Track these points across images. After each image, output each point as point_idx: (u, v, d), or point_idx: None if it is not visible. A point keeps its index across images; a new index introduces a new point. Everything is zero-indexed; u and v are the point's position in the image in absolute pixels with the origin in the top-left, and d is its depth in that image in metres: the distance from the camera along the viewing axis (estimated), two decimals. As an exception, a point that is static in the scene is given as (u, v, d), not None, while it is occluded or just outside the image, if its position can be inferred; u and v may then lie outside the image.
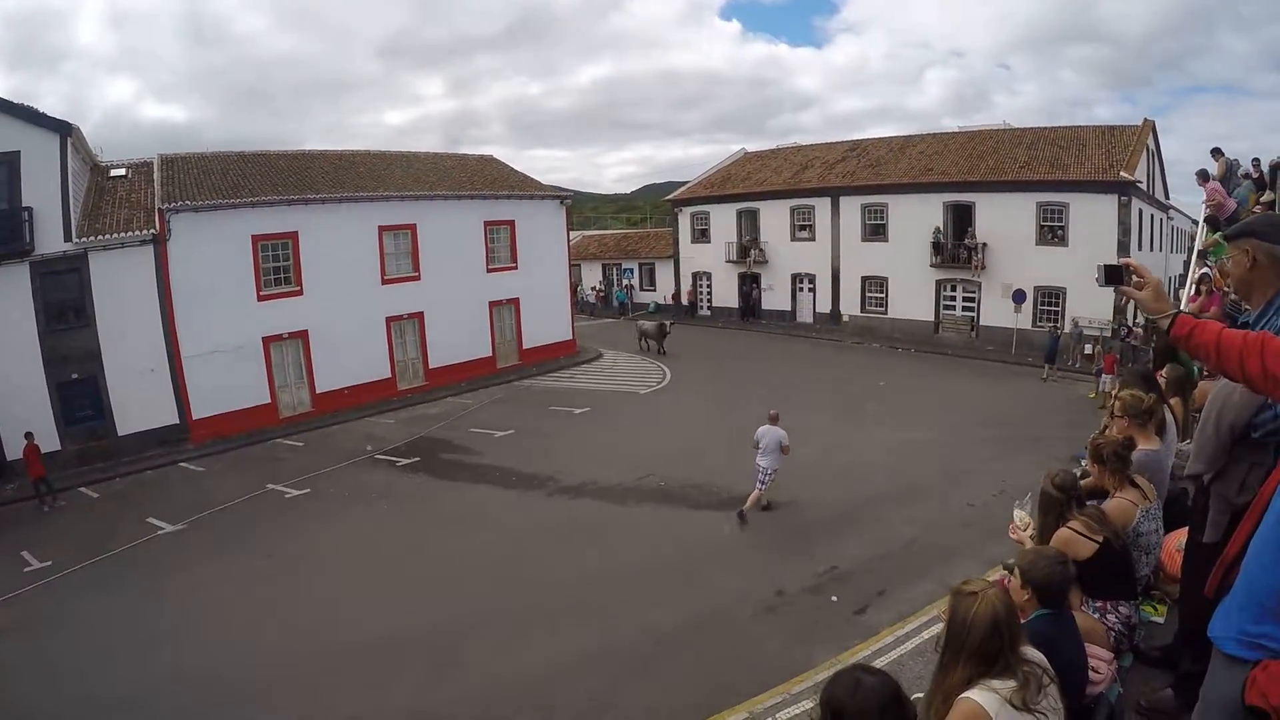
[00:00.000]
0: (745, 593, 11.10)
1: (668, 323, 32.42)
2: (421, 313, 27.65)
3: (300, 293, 24.38)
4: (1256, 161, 14.48)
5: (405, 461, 19.15)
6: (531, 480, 16.99)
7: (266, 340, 23.67)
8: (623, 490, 16.03)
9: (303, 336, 24.52)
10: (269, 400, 23.83)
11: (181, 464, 20.48)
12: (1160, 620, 4.70)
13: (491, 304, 30.08)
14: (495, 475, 17.54)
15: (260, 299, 23.55)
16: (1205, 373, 6.21)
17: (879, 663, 8.40)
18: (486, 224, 29.86)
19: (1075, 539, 4.00)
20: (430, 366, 28.05)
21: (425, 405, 25.59)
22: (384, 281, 26.64)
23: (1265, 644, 1.60)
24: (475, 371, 29.10)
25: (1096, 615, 4.03)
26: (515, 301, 30.86)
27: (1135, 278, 2.47)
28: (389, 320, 26.82)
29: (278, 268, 24.05)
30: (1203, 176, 13.11)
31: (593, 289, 49.53)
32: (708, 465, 17.17)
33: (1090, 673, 3.53)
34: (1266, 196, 12.05)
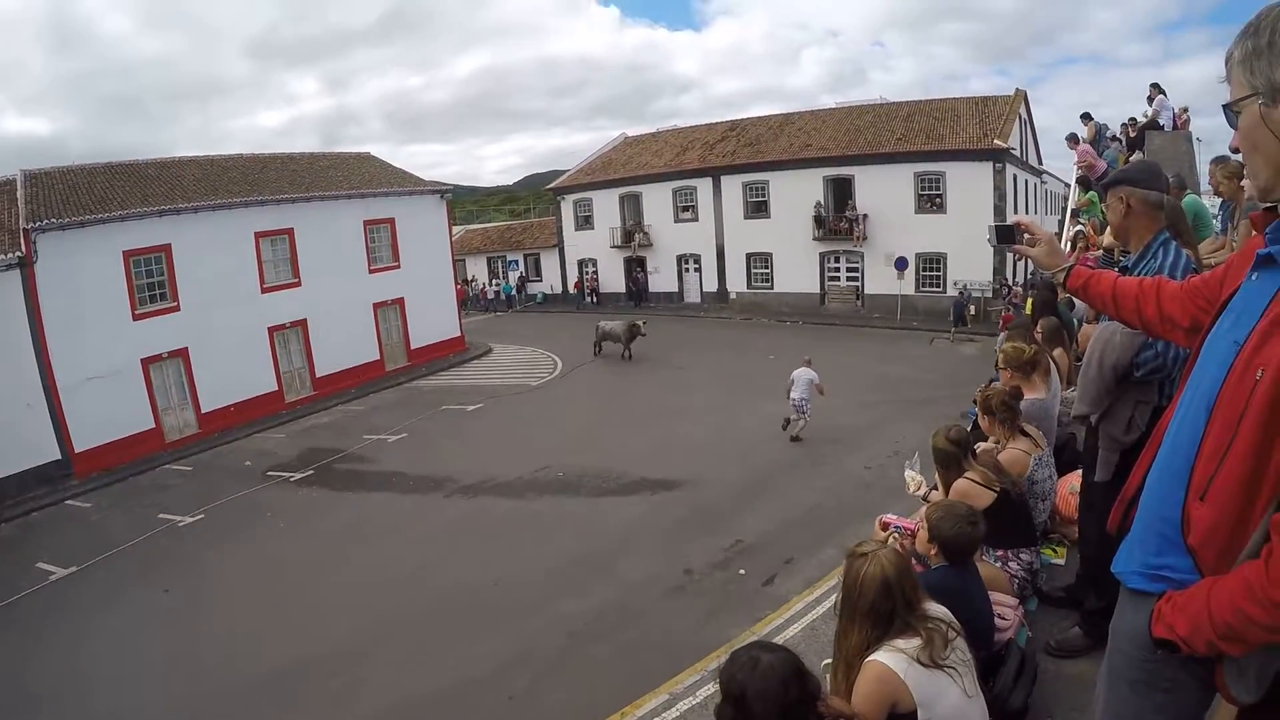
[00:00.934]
0: (653, 576, 11.06)
1: (641, 322, 27.84)
2: (304, 320, 26.40)
3: (178, 308, 22.87)
4: (1131, 121, 15.34)
5: (299, 476, 18.33)
6: (429, 483, 16.54)
7: (146, 362, 22.10)
8: (522, 484, 15.77)
9: (183, 354, 23.03)
10: (153, 425, 22.29)
11: (68, 501, 18.93)
12: (1061, 562, 4.82)
13: (376, 305, 29.05)
14: (392, 481, 17.00)
15: (136, 318, 21.93)
16: (1086, 319, 6.47)
17: (792, 629, 8.52)
18: (366, 223, 28.77)
19: (974, 489, 4.04)
20: (318, 375, 26.88)
21: (315, 416, 24.60)
22: (264, 290, 25.30)
23: (1167, 575, 1.62)
24: (364, 376, 28.09)
25: (998, 564, 4.08)
26: (400, 301, 29.91)
27: (1028, 235, 2.50)
28: (271, 330, 25.51)
29: (152, 284, 22.45)
30: (1073, 140, 13.78)
31: (489, 284, 48.35)
32: (604, 451, 17.11)
33: (997, 620, 3.56)
34: (1136, 157, 12.74)
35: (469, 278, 47.80)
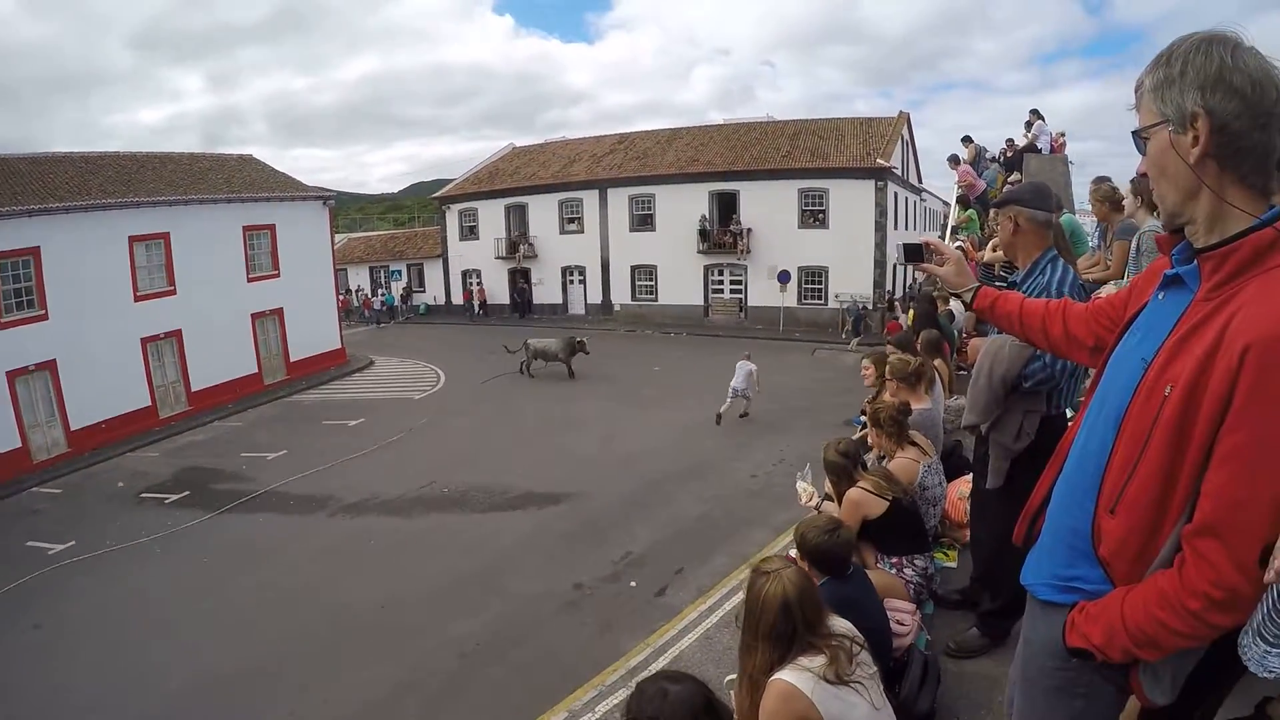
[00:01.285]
0: (544, 592, 10.86)
1: (582, 339, 26.28)
2: (179, 330, 24.71)
3: (45, 317, 20.98)
4: (1010, 143, 16.16)
5: (175, 497, 17.15)
6: (311, 502, 15.80)
7: (11, 375, 20.18)
8: (406, 502, 15.28)
9: (50, 367, 21.15)
10: (19, 444, 20.33)
11: (-72, 532, 17.14)
12: (953, 565, 4.97)
13: (254, 316, 27.53)
14: (272, 501, 16.15)
15: (0, 326, 20.16)
16: (970, 332, 6.74)
17: (687, 640, 8.48)
18: (246, 229, 27.20)
19: (867, 498, 4.11)
20: (193, 389, 25.18)
21: (191, 433, 23.08)
22: (137, 298, 23.48)
23: (1079, 586, 1.65)
24: (242, 390, 26.57)
25: (893, 571, 4.16)
26: (279, 311, 28.47)
27: (936, 254, 2.50)
28: (144, 341, 23.72)
29: (19, 289, 20.56)
30: (954, 161, 14.43)
31: (373, 295, 46.27)
32: (488, 466, 16.79)
33: (896, 626, 3.62)
34: (1014, 178, 13.43)
35: (354, 287, 46.23)
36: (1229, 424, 1.36)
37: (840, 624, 2.71)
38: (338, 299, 33.59)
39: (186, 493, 17.38)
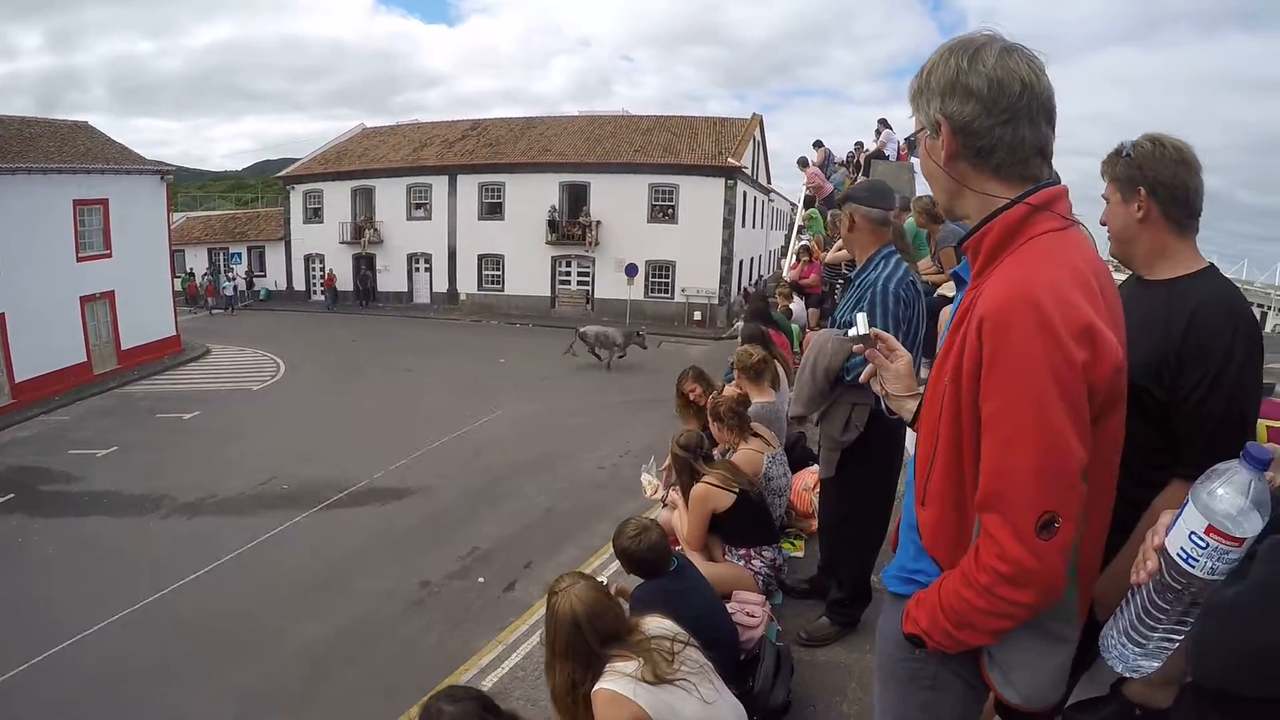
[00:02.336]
0: (390, 591, 10.53)
1: (641, 330, 25.35)
2: (3, 315, 22.04)
3: None
4: (859, 146, 16.80)
5: None
6: (143, 503, 14.59)
7: None
8: (245, 500, 14.42)
9: None
10: None
11: None
12: (800, 554, 5.13)
13: (84, 299, 24.89)
14: (104, 503, 14.77)
15: None
16: (812, 327, 6.99)
17: (537, 636, 8.39)
18: (76, 203, 24.51)
19: (714, 492, 4.14)
20: (16, 380, 22.42)
21: (14, 429, 20.59)
22: None
23: (919, 579, 1.68)
24: (69, 381, 23.94)
25: (741, 562, 4.24)
26: (110, 295, 25.92)
27: (884, 347, 2.03)
28: None
29: None
30: (802, 163, 14.93)
31: (222, 279, 41.31)
32: (330, 460, 16.11)
33: (746, 618, 3.70)
34: (860, 180, 14.02)
35: (197, 271, 42.28)
36: (981, 396, 1.41)
37: (656, 625, 2.69)
38: (178, 284, 30.83)
39: (11, 495, 15.63)
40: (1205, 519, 1.18)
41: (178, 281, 39.66)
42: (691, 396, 5.64)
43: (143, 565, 12.19)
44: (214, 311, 38.70)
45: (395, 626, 9.69)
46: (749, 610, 3.75)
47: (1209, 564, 1.18)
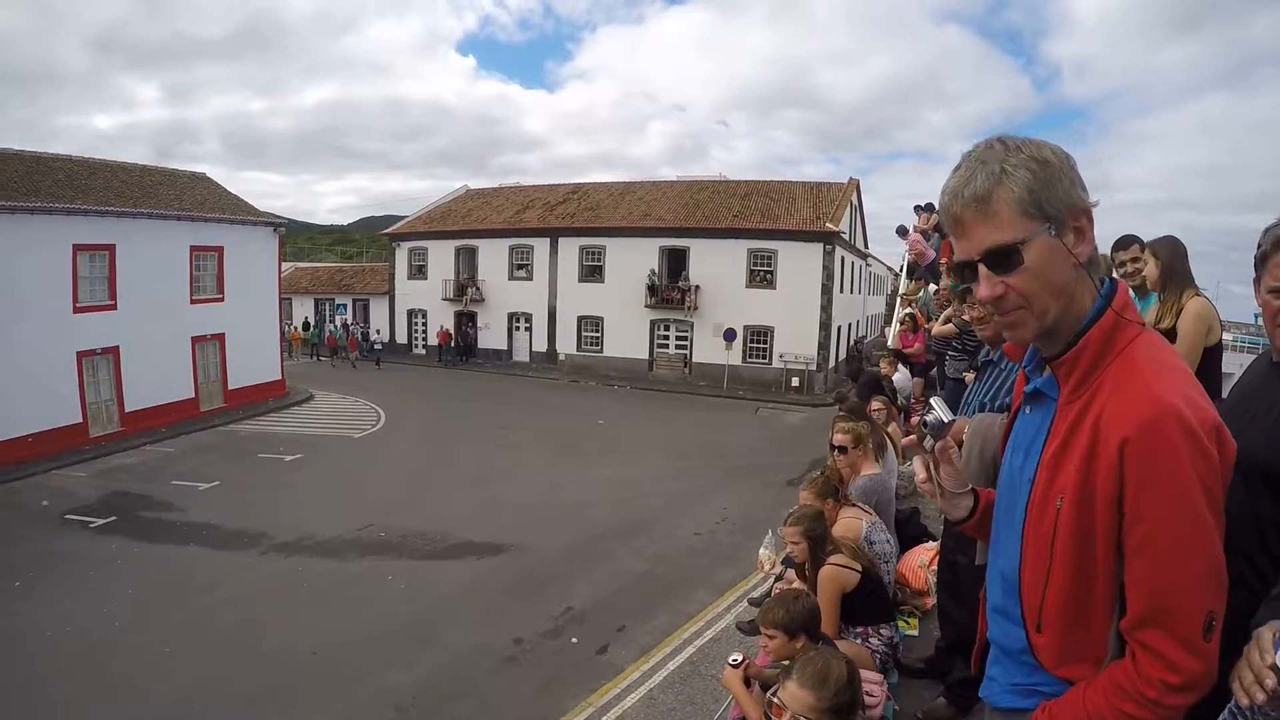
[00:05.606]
0: (482, 646, 10.56)
1: None
2: (117, 347, 23.62)
3: None
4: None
5: (100, 522, 16.29)
6: (242, 538, 15.20)
7: None
8: (342, 543, 14.82)
9: None
10: None
11: None
12: (915, 633, 5.00)
13: (195, 339, 26.61)
14: (202, 534, 15.47)
15: None
16: (918, 398, 6.83)
17: (630, 700, 8.31)
18: (193, 249, 26.39)
19: (842, 571, 4.10)
20: (127, 410, 24.04)
21: (121, 455, 22.01)
22: (76, 309, 22.40)
23: (1042, 689, 1.64)
24: (177, 415, 25.50)
25: (859, 640, 4.15)
26: (221, 337, 27.60)
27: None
28: (80, 355, 22.60)
29: None
30: (901, 232, 14.74)
31: (349, 329, 42.42)
32: (428, 512, 16.41)
33: (866, 697, 3.60)
34: None
35: (302, 318, 44.38)
36: (1129, 518, 1.38)
37: None
38: (313, 334, 32.21)
39: (114, 518, 16.56)
40: None
41: (313, 332, 41.69)
42: (870, 411, 5.60)
43: (236, 597, 12.64)
44: (357, 364, 39.58)
45: (484, 681, 9.67)
46: (867, 689, 3.64)
47: None
